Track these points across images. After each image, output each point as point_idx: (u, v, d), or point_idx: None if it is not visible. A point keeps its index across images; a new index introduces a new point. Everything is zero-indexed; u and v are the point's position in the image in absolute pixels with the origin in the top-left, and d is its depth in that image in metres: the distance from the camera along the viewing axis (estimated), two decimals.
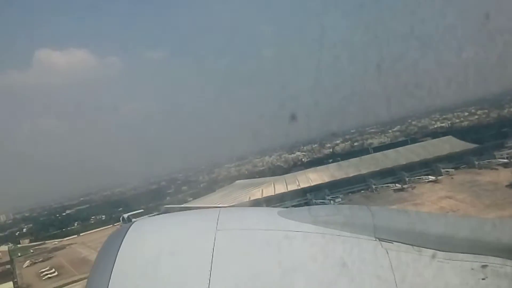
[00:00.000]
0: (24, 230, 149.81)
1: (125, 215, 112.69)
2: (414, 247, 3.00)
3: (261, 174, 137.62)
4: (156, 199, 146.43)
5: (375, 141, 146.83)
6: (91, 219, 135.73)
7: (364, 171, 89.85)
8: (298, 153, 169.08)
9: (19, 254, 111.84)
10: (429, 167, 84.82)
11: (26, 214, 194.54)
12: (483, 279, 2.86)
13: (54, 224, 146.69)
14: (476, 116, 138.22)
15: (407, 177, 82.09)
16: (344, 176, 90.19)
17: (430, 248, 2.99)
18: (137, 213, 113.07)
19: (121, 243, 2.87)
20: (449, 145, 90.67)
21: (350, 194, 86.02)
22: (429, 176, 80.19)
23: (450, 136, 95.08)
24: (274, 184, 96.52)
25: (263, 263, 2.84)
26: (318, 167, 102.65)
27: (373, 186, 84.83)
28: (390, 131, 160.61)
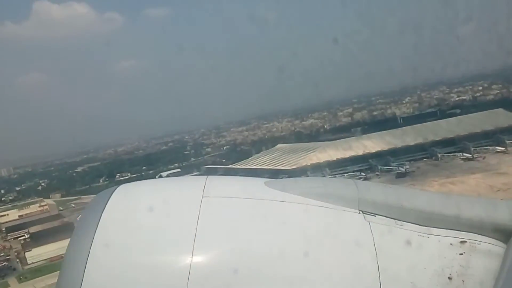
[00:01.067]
0: (43, 185, 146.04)
1: (164, 174, 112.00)
2: (396, 221, 3.07)
3: (285, 139, 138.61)
4: (177, 159, 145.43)
5: (397, 111, 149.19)
6: (116, 176, 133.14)
7: (421, 140, 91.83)
8: (311, 120, 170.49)
9: (61, 208, 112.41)
10: (489, 138, 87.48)
11: (29, 169, 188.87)
12: (460, 254, 2.95)
13: (72, 180, 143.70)
14: (497, 91, 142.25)
15: (472, 147, 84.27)
16: (403, 144, 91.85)
17: (412, 223, 3.07)
18: (175, 172, 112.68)
19: (104, 207, 2.84)
20: (503, 117, 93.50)
21: (413, 162, 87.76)
22: (497, 147, 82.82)
23: (500, 109, 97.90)
24: (327, 150, 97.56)
25: (248, 231, 2.88)
26: (370, 134, 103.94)
27: (439, 155, 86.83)
28: (404, 101, 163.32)
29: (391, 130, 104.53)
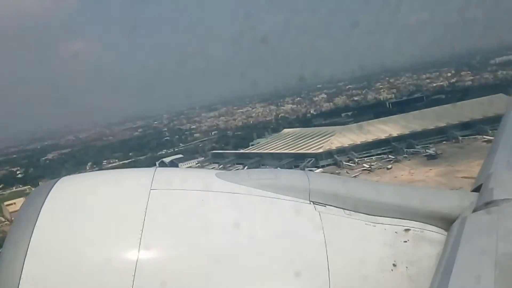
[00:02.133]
0: (19, 173, 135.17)
1: (166, 159, 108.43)
2: (345, 210, 3.19)
3: (273, 124, 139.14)
4: (165, 145, 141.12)
5: (379, 97, 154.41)
6: (103, 163, 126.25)
7: (436, 123, 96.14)
8: (289, 105, 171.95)
9: None
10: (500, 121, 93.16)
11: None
12: (405, 241, 3.10)
13: (50, 167, 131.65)
14: (471, 77, 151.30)
15: (490, 129, 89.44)
16: (420, 128, 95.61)
17: (360, 212, 3.19)
18: (178, 158, 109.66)
19: (44, 200, 2.74)
20: (505, 102, 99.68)
21: (435, 145, 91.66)
22: None
23: (501, 94, 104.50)
24: (345, 134, 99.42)
25: (197, 223, 2.88)
26: (383, 119, 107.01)
27: (459, 138, 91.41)
28: (377, 87, 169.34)
29: (402, 114, 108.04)
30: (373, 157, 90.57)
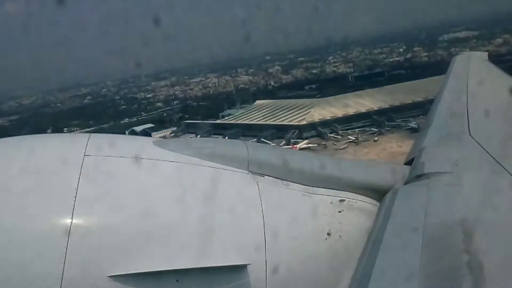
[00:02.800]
0: None
1: (137, 129, 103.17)
2: (283, 181, 3.24)
3: (234, 96, 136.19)
4: (125, 113, 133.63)
5: (337, 70, 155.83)
6: (64, 130, 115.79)
7: (413, 98, 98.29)
8: (245, 76, 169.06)
9: None
10: None
11: None
12: (339, 211, 3.23)
13: (7, 134, 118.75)
14: (426, 53, 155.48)
15: None
16: (398, 102, 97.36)
17: (297, 183, 3.26)
18: (150, 127, 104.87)
19: None
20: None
21: (416, 118, 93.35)
22: None
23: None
24: (324, 107, 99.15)
25: (131, 192, 2.82)
26: (358, 92, 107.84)
27: None
28: (332, 59, 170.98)
29: (376, 88, 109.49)
30: (356, 130, 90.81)
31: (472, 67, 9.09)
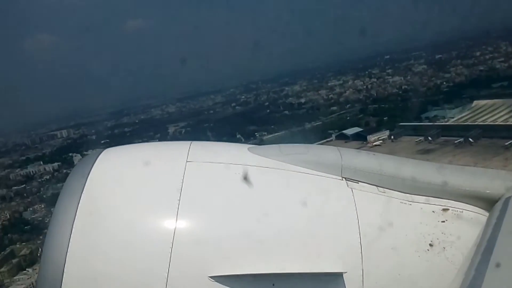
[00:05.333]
0: None
1: (348, 132, 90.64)
2: (379, 187, 3.07)
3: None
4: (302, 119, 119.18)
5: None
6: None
7: None
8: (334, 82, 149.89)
9: None
10: None
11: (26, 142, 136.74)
12: (442, 221, 2.97)
13: None
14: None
15: None
16: None
17: (395, 190, 3.06)
18: (360, 130, 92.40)
19: (90, 170, 2.83)
20: None
21: None
22: None
23: None
24: None
25: (231, 197, 2.87)
26: None
27: None
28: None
29: None
30: None
31: None
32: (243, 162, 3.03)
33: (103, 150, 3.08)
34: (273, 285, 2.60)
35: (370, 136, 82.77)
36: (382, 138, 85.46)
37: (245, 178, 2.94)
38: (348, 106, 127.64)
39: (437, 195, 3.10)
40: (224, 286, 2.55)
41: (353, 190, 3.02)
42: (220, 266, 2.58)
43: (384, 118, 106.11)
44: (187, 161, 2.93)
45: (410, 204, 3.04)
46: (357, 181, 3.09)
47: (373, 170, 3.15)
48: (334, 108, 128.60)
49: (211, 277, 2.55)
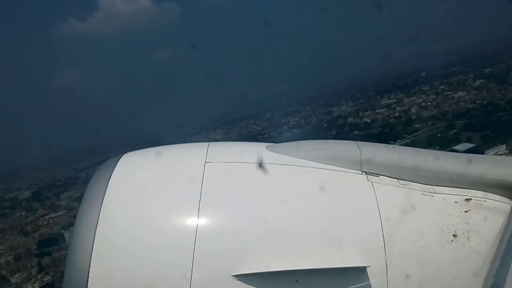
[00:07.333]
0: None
1: (459, 148, 77.56)
2: (400, 180, 3.05)
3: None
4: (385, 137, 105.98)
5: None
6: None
7: None
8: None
9: None
10: None
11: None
12: (466, 211, 2.94)
13: None
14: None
15: None
16: None
17: (415, 182, 3.04)
18: (470, 146, 79.36)
19: (111, 174, 2.88)
20: None
21: None
22: None
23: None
24: None
25: (251, 194, 2.88)
26: None
27: None
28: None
29: None
30: None
31: None
32: (262, 160, 3.03)
33: (123, 155, 3.12)
34: (297, 281, 2.61)
35: (488, 151, 70.88)
36: (503, 153, 73.00)
37: (264, 176, 2.93)
38: (430, 123, 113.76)
39: (459, 185, 3.04)
40: (247, 285, 2.56)
41: (373, 184, 2.99)
42: (243, 264, 2.58)
43: (487, 132, 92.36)
44: (205, 162, 2.96)
45: (432, 196, 3.01)
46: (377, 175, 3.06)
47: (393, 163, 3.10)
48: (417, 125, 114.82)
49: (234, 275, 2.57)
